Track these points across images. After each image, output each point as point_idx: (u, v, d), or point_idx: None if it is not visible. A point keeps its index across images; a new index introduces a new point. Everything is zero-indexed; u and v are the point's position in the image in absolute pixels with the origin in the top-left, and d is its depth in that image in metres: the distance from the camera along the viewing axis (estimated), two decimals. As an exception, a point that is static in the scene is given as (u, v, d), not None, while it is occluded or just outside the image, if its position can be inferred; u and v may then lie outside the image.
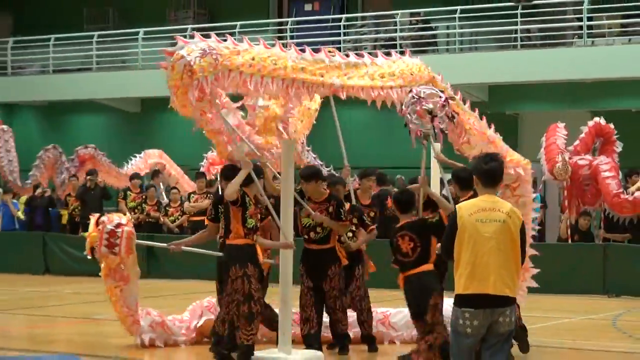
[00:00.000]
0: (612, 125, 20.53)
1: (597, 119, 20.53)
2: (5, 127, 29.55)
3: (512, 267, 9.13)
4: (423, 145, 13.27)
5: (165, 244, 14.45)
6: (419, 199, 12.87)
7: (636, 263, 20.68)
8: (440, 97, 13.15)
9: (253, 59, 11.85)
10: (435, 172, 14.65)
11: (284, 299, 12.93)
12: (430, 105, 12.96)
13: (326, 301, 13.50)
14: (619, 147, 20.81)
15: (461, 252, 9.06)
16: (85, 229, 27.24)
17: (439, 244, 10.80)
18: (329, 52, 12.76)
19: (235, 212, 12.49)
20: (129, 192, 26.78)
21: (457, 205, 9.34)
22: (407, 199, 12.72)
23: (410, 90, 13.40)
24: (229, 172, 13.02)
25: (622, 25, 29.24)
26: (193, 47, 11.70)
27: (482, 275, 8.99)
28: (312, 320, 13.30)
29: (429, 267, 12.39)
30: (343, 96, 12.81)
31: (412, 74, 13.65)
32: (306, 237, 13.71)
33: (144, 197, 26.69)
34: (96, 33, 34.31)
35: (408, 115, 13.06)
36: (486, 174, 9.29)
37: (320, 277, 13.37)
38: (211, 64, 11.41)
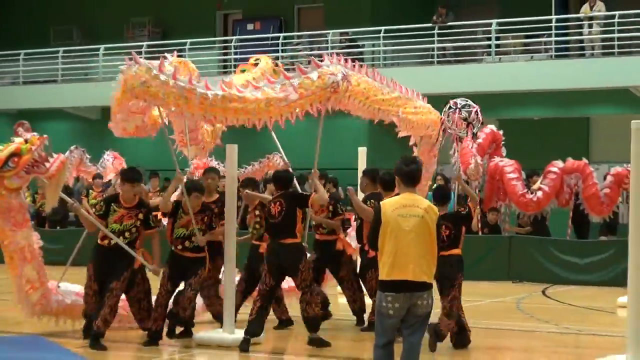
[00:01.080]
0: (501, 132, 20.70)
1: (491, 126, 20.68)
2: None
3: (429, 257, 9.29)
4: (456, 148, 14.64)
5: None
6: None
7: (536, 253, 20.94)
8: (474, 107, 14.38)
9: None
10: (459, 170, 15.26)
11: (228, 282, 12.92)
12: (465, 114, 14.29)
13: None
14: (504, 151, 21.11)
15: (385, 243, 9.20)
16: (53, 226, 27.18)
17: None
18: None
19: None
20: (91, 190, 26.62)
21: (381, 202, 9.49)
22: (445, 193, 13.41)
23: (447, 102, 14.62)
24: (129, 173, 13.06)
25: (525, 45, 29.52)
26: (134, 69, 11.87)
27: (403, 263, 9.14)
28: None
29: (458, 251, 13.05)
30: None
31: None
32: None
33: (103, 195, 26.53)
34: (61, 49, 34.11)
35: (447, 122, 14.44)
36: (407, 175, 9.48)
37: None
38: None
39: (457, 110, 14.55)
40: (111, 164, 27.43)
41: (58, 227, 27.35)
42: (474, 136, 15.07)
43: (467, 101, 14.64)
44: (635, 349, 11.02)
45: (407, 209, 9.23)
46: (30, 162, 12.02)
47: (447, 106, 14.66)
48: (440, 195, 13.14)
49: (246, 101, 11.98)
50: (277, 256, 12.76)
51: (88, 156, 27.89)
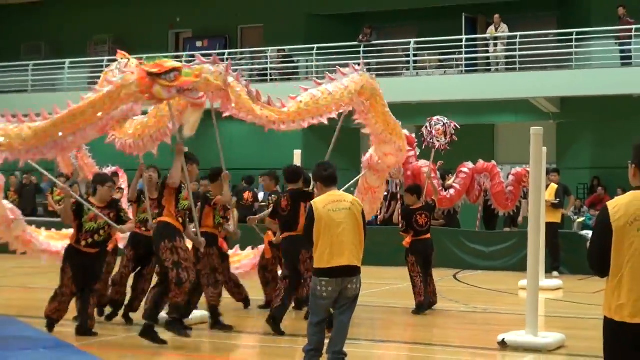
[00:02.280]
0: (414, 136, 20.78)
1: (404, 131, 20.72)
2: None
3: (358, 243, 9.44)
4: (442, 153, 16.55)
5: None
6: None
7: (448, 242, 21.06)
8: (449, 123, 16.33)
9: None
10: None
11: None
12: (443, 128, 16.32)
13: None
14: (418, 153, 21.23)
15: (320, 236, 9.33)
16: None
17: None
18: None
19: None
20: (55, 188, 26.34)
21: (312, 202, 9.62)
22: (419, 188, 15.19)
23: (431, 119, 16.60)
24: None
25: (439, 61, 29.70)
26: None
27: (339, 251, 9.28)
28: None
29: (430, 235, 14.61)
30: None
31: None
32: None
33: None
34: (31, 62, 33.77)
35: (435, 134, 16.31)
36: (326, 178, 9.71)
37: None
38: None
39: (444, 125, 16.45)
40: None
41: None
42: (450, 144, 16.45)
43: (444, 118, 16.55)
44: (532, 325, 11.17)
45: (336, 204, 9.43)
46: (188, 86, 11.51)
47: (434, 121, 16.51)
48: (414, 191, 14.78)
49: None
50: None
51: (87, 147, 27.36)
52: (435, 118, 16.72)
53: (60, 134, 11.37)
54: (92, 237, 11.83)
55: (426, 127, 16.70)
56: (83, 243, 11.81)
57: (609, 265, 5.53)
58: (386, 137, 14.20)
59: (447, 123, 16.55)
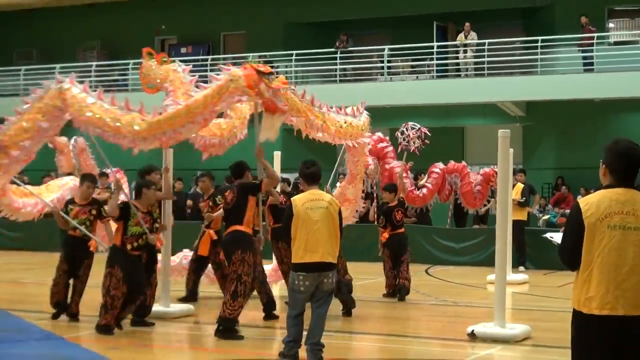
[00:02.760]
0: (388, 138, 20.74)
1: (378, 133, 20.68)
2: None
3: (333, 241, 9.46)
4: (417, 155, 18.02)
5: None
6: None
7: (420, 239, 21.07)
8: (422, 129, 17.73)
9: None
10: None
11: (164, 268, 12.86)
12: (417, 133, 17.67)
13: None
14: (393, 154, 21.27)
15: (297, 231, 9.42)
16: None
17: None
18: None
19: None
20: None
21: (292, 199, 9.66)
22: (394, 187, 15.83)
23: (406, 124, 17.89)
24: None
25: (412, 67, 29.74)
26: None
27: (314, 248, 9.33)
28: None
29: (404, 229, 15.25)
30: None
31: None
32: None
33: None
34: (23, 67, 33.67)
35: (414, 138, 17.55)
36: (309, 176, 9.76)
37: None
38: None
39: (419, 130, 17.68)
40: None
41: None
42: (421, 147, 17.72)
43: (416, 125, 17.77)
44: (500, 317, 11.21)
45: (314, 203, 9.47)
46: (279, 88, 11.39)
47: (410, 127, 17.73)
48: (392, 189, 15.41)
49: None
50: None
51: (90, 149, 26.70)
52: (410, 124, 17.60)
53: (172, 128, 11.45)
54: (137, 240, 11.65)
55: (402, 131, 17.12)
56: (129, 247, 11.62)
57: (580, 260, 5.54)
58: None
59: (420, 128, 17.42)
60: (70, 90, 11.91)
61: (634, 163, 5.59)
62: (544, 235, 19.21)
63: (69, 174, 22.00)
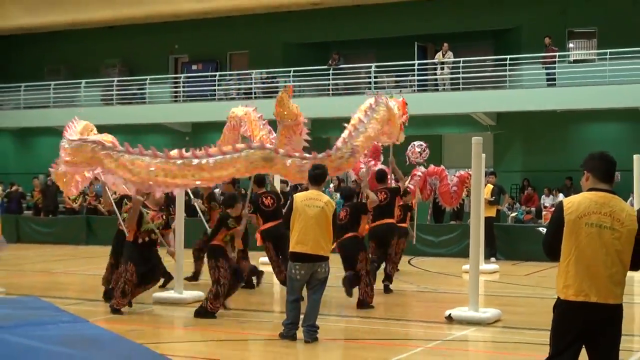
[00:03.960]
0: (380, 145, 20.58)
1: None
2: None
3: (326, 236, 9.51)
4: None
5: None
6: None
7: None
8: (425, 144, 18.54)
9: None
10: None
11: (177, 259, 12.82)
12: (420, 149, 18.49)
13: None
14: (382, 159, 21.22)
15: (294, 224, 9.52)
16: (47, 214, 26.60)
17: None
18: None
19: None
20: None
21: (294, 195, 9.80)
22: (351, 193, 13.93)
23: (413, 144, 18.45)
24: None
25: (396, 82, 29.71)
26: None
27: (304, 240, 9.40)
28: None
29: (358, 232, 12.64)
30: None
31: None
32: None
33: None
34: (52, 82, 33.60)
35: (421, 155, 18.36)
36: (313, 177, 9.77)
37: None
38: None
39: (415, 146, 18.35)
40: None
41: (50, 215, 26.82)
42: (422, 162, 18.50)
43: (421, 143, 18.52)
44: (474, 302, 11.21)
45: (312, 201, 9.55)
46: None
47: (418, 145, 18.48)
48: (347, 195, 13.79)
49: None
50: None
51: None
52: (416, 143, 18.62)
53: None
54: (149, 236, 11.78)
55: (409, 149, 18.47)
56: (140, 240, 11.74)
57: (559, 252, 5.65)
58: None
59: (423, 146, 18.41)
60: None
61: (611, 165, 5.73)
62: (537, 229, 19.29)
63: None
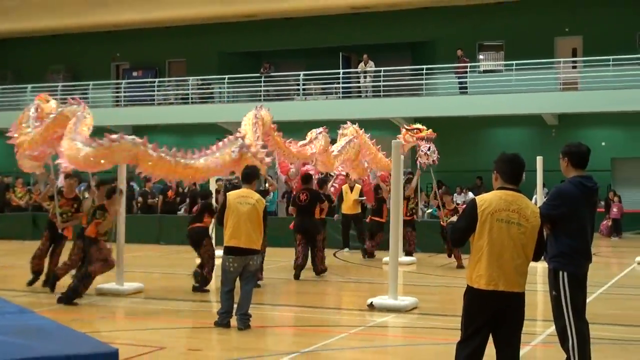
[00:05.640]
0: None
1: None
2: None
3: (257, 231, 9.52)
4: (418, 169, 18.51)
5: None
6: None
7: (329, 228, 21.02)
8: (431, 145, 18.28)
9: None
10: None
11: (118, 253, 12.65)
12: (426, 150, 18.27)
13: None
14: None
15: (228, 220, 9.48)
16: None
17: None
18: None
19: None
20: (15, 187, 25.70)
21: (227, 193, 9.72)
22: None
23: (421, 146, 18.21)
24: None
25: (322, 89, 29.83)
26: None
27: (237, 235, 9.38)
28: None
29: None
30: None
31: None
32: None
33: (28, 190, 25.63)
34: (-1, 87, 33.04)
35: (433, 156, 18.11)
36: (244, 176, 9.83)
37: None
38: None
39: (434, 150, 18.18)
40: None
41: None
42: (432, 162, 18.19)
43: (429, 144, 18.35)
44: (393, 291, 11.28)
45: (244, 199, 9.56)
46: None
47: (428, 147, 18.21)
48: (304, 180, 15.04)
49: None
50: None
51: None
52: (424, 146, 18.53)
53: None
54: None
55: (418, 153, 18.58)
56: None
57: (465, 241, 5.83)
58: None
59: (433, 148, 18.44)
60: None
61: (519, 167, 5.84)
62: (450, 220, 19.46)
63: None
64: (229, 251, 9.52)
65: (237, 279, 9.72)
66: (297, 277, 14.48)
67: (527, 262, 5.74)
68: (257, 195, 9.74)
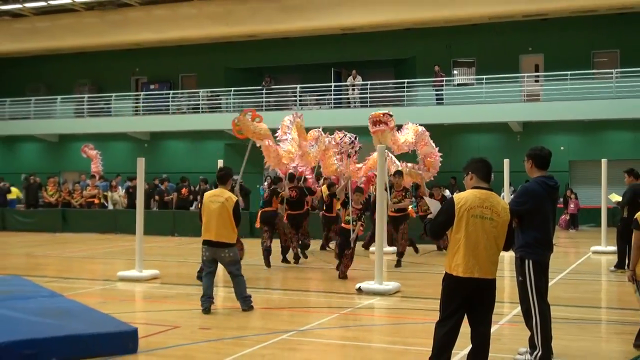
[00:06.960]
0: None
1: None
2: None
3: (228, 226, 9.62)
4: (344, 159, 15.64)
5: None
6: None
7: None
8: (354, 136, 15.98)
9: None
10: None
11: (137, 240, 12.59)
12: (350, 139, 15.93)
13: None
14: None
15: (203, 216, 9.57)
16: (29, 207, 25.82)
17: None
18: None
19: None
20: (47, 185, 25.60)
21: (204, 193, 9.93)
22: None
23: (335, 131, 16.04)
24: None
25: (317, 100, 29.78)
26: None
27: (209, 229, 9.49)
28: None
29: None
30: None
31: None
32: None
33: (59, 187, 25.51)
34: (33, 98, 32.84)
35: (340, 144, 15.58)
36: (218, 178, 9.97)
37: None
38: None
39: (345, 137, 15.73)
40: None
41: (31, 208, 26.06)
42: (354, 153, 15.82)
43: (352, 135, 15.76)
44: (379, 277, 11.28)
45: (215, 197, 9.65)
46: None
47: (348, 137, 15.69)
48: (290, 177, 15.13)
49: None
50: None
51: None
52: (340, 132, 16.28)
53: None
54: None
55: (341, 138, 16.10)
56: None
57: (442, 235, 5.88)
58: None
59: (353, 137, 16.14)
60: None
61: (489, 167, 5.87)
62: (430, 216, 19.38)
63: (92, 175, 21.68)
64: (203, 242, 9.66)
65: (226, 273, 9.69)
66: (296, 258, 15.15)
67: (499, 252, 5.75)
68: (227, 194, 9.63)
